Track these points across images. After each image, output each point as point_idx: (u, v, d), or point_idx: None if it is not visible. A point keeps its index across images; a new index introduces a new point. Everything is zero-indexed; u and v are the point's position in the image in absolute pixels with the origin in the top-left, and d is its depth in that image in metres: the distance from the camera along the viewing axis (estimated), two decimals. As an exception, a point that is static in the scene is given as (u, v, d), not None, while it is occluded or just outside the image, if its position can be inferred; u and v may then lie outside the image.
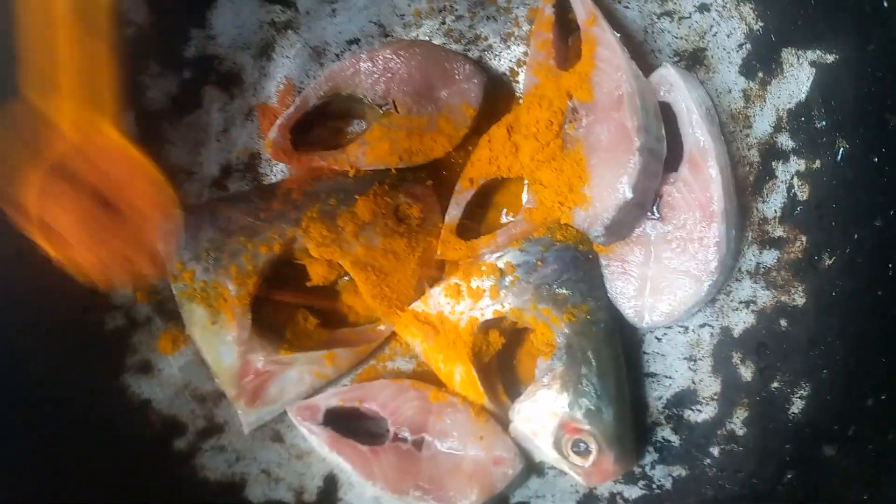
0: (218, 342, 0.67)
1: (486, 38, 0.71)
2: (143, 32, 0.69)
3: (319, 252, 0.68)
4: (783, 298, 0.60)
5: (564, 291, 0.63)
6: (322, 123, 0.73)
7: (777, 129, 0.60)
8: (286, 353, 0.69)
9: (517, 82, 0.71)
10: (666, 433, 0.65)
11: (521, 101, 0.71)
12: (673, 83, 0.60)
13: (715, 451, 0.62)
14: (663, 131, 0.59)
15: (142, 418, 0.70)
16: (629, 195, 0.57)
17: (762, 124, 0.61)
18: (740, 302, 0.63)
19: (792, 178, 0.59)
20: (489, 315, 0.64)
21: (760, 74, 0.60)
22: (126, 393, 0.70)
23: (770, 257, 0.61)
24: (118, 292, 0.71)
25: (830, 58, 0.55)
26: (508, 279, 0.63)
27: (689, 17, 0.63)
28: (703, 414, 0.64)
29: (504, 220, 0.73)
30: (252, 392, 0.69)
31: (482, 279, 0.64)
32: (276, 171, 0.75)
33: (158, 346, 0.72)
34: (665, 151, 0.60)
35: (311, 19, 0.73)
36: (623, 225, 0.61)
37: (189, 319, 0.67)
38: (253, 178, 0.75)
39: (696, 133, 0.60)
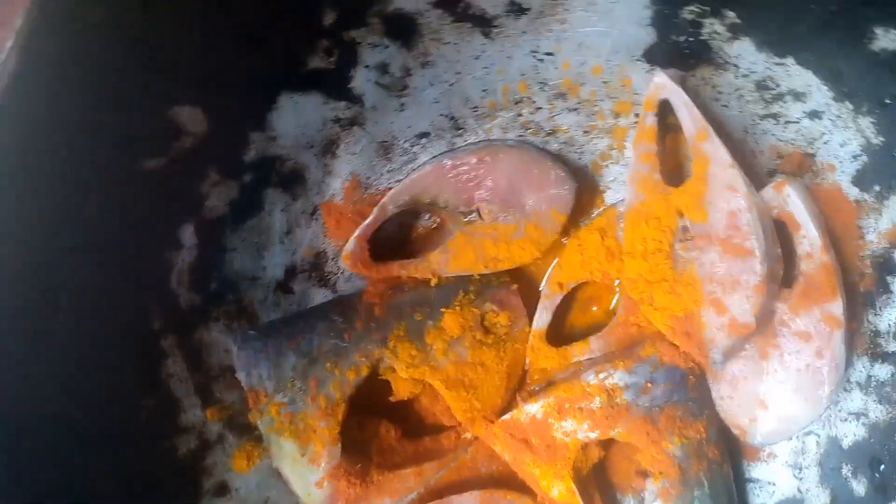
0: (308, 473, 0.64)
1: (566, 131, 0.67)
2: (202, 142, 0.64)
3: (409, 373, 0.64)
4: (899, 415, 0.59)
5: (675, 412, 0.60)
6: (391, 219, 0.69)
7: (893, 244, 0.58)
8: (375, 474, 0.66)
9: (600, 176, 0.68)
10: (775, 542, 0.64)
11: (604, 195, 0.68)
12: (790, 200, 0.57)
13: (832, 564, 0.61)
14: (780, 250, 0.57)
15: (224, 544, 0.67)
16: (753, 325, 0.55)
17: (877, 237, 0.58)
18: (850, 413, 0.61)
19: (909, 295, 0.58)
20: (595, 437, 0.62)
21: (877, 188, 0.57)
22: (207, 520, 0.67)
23: (883, 372, 0.59)
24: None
25: (962, 182, 0.52)
26: (617, 401, 0.61)
27: (798, 123, 0.60)
28: (812, 525, 0.63)
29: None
30: (341, 516, 0.66)
31: (588, 401, 0.61)
32: (343, 269, 0.71)
33: (233, 465, 0.69)
34: (782, 271, 0.57)
35: (378, 114, 0.68)
36: (739, 348, 0.58)
37: (277, 454, 0.64)
38: (319, 278, 0.71)
39: (815, 252, 0.57)
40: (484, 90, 0.67)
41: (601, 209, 0.67)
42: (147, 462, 0.65)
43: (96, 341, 0.62)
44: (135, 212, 0.63)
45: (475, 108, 0.68)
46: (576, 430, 0.62)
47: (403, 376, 0.65)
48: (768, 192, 0.58)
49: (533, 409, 0.64)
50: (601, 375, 0.61)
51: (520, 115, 0.68)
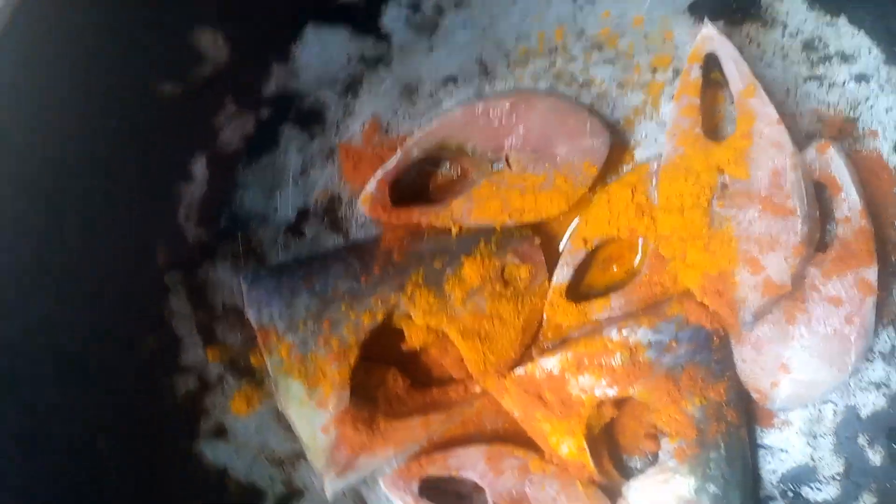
0: (314, 417, 0.62)
1: (600, 84, 0.65)
2: (221, 70, 0.61)
3: (425, 321, 0.62)
4: (921, 387, 0.58)
5: (698, 373, 0.59)
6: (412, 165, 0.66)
7: (931, 214, 0.57)
8: (382, 422, 0.64)
9: (632, 132, 0.66)
10: (782, 509, 0.64)
11: (635, 151, 0.66)
12: (833, 163, 0.56)
13: (839, 534, 0.61)
14: (818, 213, 0.56)
15: (219, 488, 0.66)
16: (789, 286, 0.54)
17: (914, 206, 0.58)
18: (870, 383, 0.61)
19: (944, 267, 0.57)
20: (613, 394, 0.61)
21: (920, 157, 0.57)
22: (202, 462, 0.65)
23: (909, 342, 0.59)
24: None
25: None
26: (639, 359, 0.60)
27: (842, 86, 0.59)
28: (823, 493, 0.63)
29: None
30: (344, 464, 0.64)
31: (608, 357, 0.60)
32: (357, 214, 0.69)
33: (232, 407, 0.67)
34: (818, 235, 0.56)
35: (405, 54, 0.65)
36: (768, 310, 0.57)
37: (284, 395, 0.62)
38: (331, 222, 0.69)
39: (853, 217, 0.56)
40: (518, 36, 0.65)
41: (631, 166, 0.65)
42: (145, 400, 0.63)
43: (100, 272, 0.60)
44: (147, 139, 0.60)
45: (507, 54, 0.65)
46: (593, 387, 0.61)
47: (420, 324, 0.63)
48: (810, 153, 0.57)
49: (549, 363, 0.63)
50: (624, 332, 0.60)
51: (553, 64, 0.65)
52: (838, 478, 0.62)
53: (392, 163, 0.62)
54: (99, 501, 0.60)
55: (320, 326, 0.61)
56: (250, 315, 0.61)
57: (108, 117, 0.58)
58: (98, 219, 0.59)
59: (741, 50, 0.60)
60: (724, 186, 0.56)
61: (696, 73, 0.58)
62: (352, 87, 0.66)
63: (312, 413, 0.62)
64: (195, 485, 0.65)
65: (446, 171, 0.68)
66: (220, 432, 0.66)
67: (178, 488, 0.64)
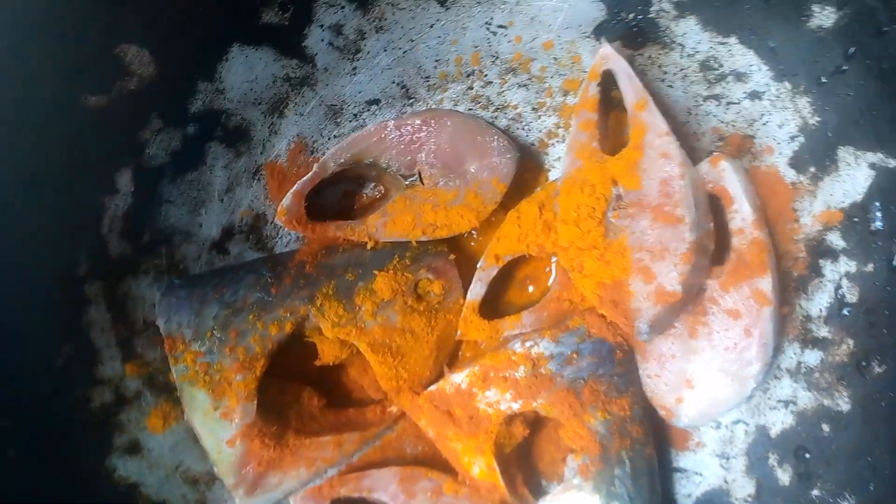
0: (219, 429, 0.62)
1: (515, 107, 0.67)
2: (147, 85, 0.64)
3: (334, 333, 0.63)
4: (826, 402, 0.58)
5: (600, 386, 0.59)
6: (332, 184, 0.68)
7: (827, 227, 0.57)
8: (292, 438, 0.64)
9: (546, 154, 0.68)
10: (697, 534, 0.62)
11: (549, 173, 0.68)
12: (725, 175, 0.57)
13: (751, 557, 0.59)
14: (712, 224, 0.56)
15: (129, 504, 0.64)
16: (679, 294, 0.54)
17: (811, 220, 0.58)
18: (778, 401, 0.60)
19: (840, 279, 0.57)
20: (517, 408, 0.60)
21: (812, 169, 0.58)
22: (112, 476, 0.65)
23: (813, 357, 0.59)
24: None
25: (893, 162, 0.53)
26: (541, 371, 0.59)
27: (738, 104, 0.60)
28: (736, 517, 0.61)
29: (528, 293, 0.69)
30: (252, 481, 0.63)
31: (512, 369, 0.60)
32: (282, 234, 0.70)
33: (148, 424, 0.66)
34: (713, 246, 0.57)
35: (330, 76, 0.68)
36: (666, 321, 0.57)
37: (189, 404, 0.61)
38: (256, 241, 0.70)
39: (746, 228, 0.57)
40: (437, 60, 0.68)
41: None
42: (58, 409, 0.63)
43: (19, 277, 0.61)
44: (73, 148, 0.62)
45: (427, 77, 0.68)
46: (499, 401, 0.60)
47: (328, 336, 0.63)
48: (704, 165, 0.58)
49: (458, 378, 0.62)
50: (527, 344, 0.60)
51: (471, 88, 0.68)
52: (750, 500, 0.61)
53: (308, 176, 0.64)
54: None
55: (227, 335, 0.61)
56: (160, 323, 0.62)
57: (34, 125, 0.60)
58: (22, 222, 0.60)
59: (644, 72, 0.62)
60: (619, 198, 0.57)
61: (593, 90, 0.60)
62: (277, 108, 0.68)
63: (217, 425, 0.61)
64: (103, 500, 0.64)
65: (370, 192, 0.70)
66: (134, 448, 0.66)
67: (87, 501, 0.63)
